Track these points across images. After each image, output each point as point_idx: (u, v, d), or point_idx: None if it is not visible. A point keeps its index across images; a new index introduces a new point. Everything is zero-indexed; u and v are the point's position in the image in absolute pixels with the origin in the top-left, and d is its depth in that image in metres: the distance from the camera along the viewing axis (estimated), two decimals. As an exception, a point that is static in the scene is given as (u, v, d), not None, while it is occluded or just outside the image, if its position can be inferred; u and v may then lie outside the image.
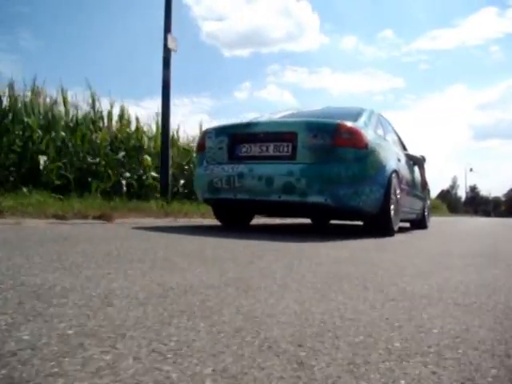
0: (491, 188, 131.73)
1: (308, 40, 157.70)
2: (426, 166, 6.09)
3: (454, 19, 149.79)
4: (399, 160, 4.58)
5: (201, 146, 4.16)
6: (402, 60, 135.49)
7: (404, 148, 5.59)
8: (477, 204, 68.72)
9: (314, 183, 3.44)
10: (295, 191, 3.47)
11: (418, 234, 5.08)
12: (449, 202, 53.84)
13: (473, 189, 78.51)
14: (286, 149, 3.62)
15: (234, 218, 4.55)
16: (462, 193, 69.98)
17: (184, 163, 8.43)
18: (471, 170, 47.65)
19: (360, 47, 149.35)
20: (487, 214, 53.17)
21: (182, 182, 8.14)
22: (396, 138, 5.34)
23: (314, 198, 3.46)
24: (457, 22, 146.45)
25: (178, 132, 8.70)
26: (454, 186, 75.80)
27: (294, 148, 3.57)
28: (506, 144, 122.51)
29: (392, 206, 4.00)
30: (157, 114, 7.92)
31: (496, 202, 75.41)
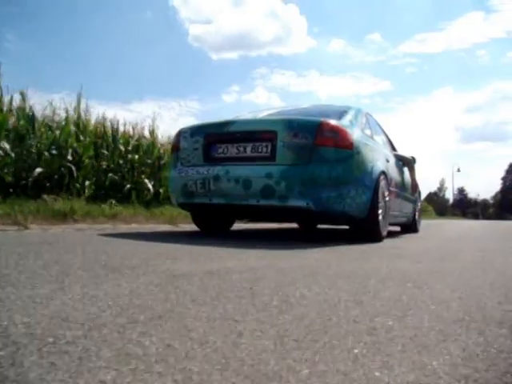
0: (479, 190, 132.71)
1: (296, 43, 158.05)
2: (416, 166, 5.85)
3: (441, 23, 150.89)
4: (388, 161, 4.33)
5: (175, 146, 3.87)
6: (390, 63, 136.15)
7: (393, 149, 5.34)
8: (465, 206, 68.80)
9: (295, 186, 3.16)
10: (275, 195, 3.19)
11: (407, 238, 4.83)
12: (436, 204, 54.02)
13: (461, 191, 78.79)
14: (264, 149, 3.34)
15: (213, 223, 4.25)
16: (449, 195, 70.18)
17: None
18: (458, 170, 47.66)
19: (348, 50, 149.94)
20: (476, 216, 53.14)
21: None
22: (385, 138, 5.10)
23: (294, 202, 3.18)
24: (443, 25, 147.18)
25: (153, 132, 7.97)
26: (441, 189, 75.84)
27: (274, 148, 3.29)
28: (493, 146, 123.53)
29: (380, 210, 3.74)
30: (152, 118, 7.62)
31: (484, 204, 75.69)
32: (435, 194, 74.39)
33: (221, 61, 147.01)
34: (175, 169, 3.76)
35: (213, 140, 3.57)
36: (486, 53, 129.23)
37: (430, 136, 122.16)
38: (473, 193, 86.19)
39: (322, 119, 3.35)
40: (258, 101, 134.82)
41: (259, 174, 3.23)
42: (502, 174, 77.64)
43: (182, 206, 3.87)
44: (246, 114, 4.37)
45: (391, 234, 5.08)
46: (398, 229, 6.16)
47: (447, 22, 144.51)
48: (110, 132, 6.89)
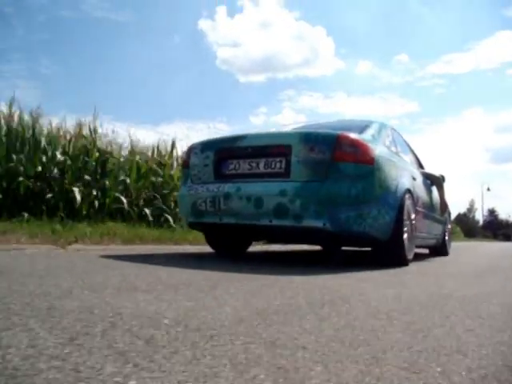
0: (510, 211, 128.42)
1: (323, 65, 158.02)
2: (446, 186, 5.50)
3: (469, 43, 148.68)
4: (414, 179, 4.02)
5: (186, 162, 3.67)
6: (417, 84, 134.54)
7: (421, 166, 5.03)
8: (496, 227, 66.31)
9: (311, 205, 2.89)
10: (288, 214, 2.92)
11: (436, 262, 4.46)
12: (466, 225, 52.22)
13: (491, 212, 76.18)
14: (278, 165, 3.09)
15: (228, 244, 4.01)
16: (479, 216, 67.80)
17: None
18: (488, 189, 46.11)
19: (375, 71, 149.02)
20: (507, 237, 50.97)
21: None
22: (411, 155, 4.80)
23: (310, 223, 2.90)
24: (471, 45, 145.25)
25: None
26: (471, 210, 73.32)
27: (288, 164, 3.04)
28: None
29: (405, 231, 3.43)
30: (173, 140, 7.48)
31: (516, 225, 72.97)
32: (464, 215, 72.15)
33: (248, 83, 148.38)
34: (185, 186, 3.56)
35: (224, 156, 3.36)
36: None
37: (460, 157, 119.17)
38: (504, 214, 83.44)
39: (341, 132, 3.09)
40: (285, 122, 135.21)
41: (272, 191, 2.98)
42: (535, 194, 75.10)
43: (193, 225, 3.64)
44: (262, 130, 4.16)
45: (419, 257, 4.73)
46: (426, 251, 5.78)
47: (475, 41, 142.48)
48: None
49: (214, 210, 3.20)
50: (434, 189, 5.10)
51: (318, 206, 2.88)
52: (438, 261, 4.64)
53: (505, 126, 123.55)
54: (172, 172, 7.08)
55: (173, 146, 7.57)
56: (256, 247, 5.21)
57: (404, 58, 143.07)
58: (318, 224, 2.89)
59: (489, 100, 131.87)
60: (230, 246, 4.03)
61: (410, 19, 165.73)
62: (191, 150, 3.62)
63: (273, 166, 3.11)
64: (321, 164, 2.96)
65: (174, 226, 5.88)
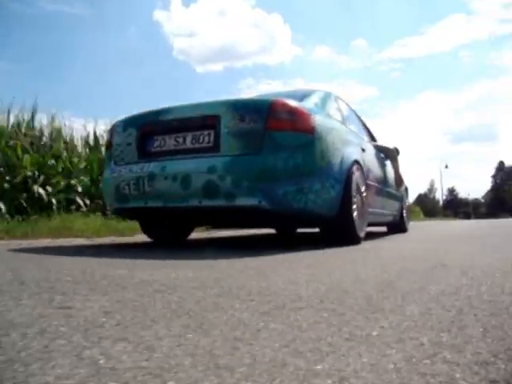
0: (469, 190, 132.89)
1: (281, 52, 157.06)
2: (401, 160, 5.27)
3: (423, 27, 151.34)
4: (363, 150, 3.73)
5: (109, 143, 3.26)
6: (375, 69, 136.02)
7: (373, 139, 4.76)
8: (456, 206, 68.09)
9: (243, 181, 2.54)
10: (219, 193, 2.57)
11: (392, 239, 4.22)
12: (426, 205, 53.30)
13: (451, 191, 78.49)
14: (206, 138, 2.72)
15: (166, 231, 3.62)
16: (439, 196, 69.53)
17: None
18: (446, 166, 46.80)
19: (333, 57, 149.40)
20: (468, 216, 51.83)
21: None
22: (361, 126, 4.52)
23: (244, 201, 2.55)
24: (425, 29, 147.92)
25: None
26: (431, 190, 75.30)
27: (217, 136, 2.67)
28: (480, 146, 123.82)
29: (355, 206, 3.14)
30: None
31: (476, 203, 75.30)
32: (425, 195, 73.89)
33: (206, 73, 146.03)
34: (108, 169, 3.15)
35: (148, 132, 2.96)
36: (469, 54, 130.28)
37: (419, 139, 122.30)
38: (464, 192, 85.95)
39: (275, 98, 2.75)
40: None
41: (200, 168, 2.61)
42: (492, 172, 77.90)
43: (118, 211, 3.25)
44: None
45: (374, 235, 4.48)
46: (383, 229, 5.58)
47: (429, 25, 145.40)
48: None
49: (139, 192, 2.82)
50: (389, 163, 4.85)
51: (252, 182, 2.54)
52: (393, 238, 4.40)
53: (461, 107, 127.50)
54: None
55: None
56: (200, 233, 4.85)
57: (362, 42, 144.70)
58: (253, 202, 2.55)
59: (444, 82, 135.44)
60: (169, 234, 3.65)
61: (366, 3, 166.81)
62: (113, 128, 3.20)
63: (200, 141, 2.74)
64: (253, 135, 2.61)
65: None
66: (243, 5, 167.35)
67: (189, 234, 3.96)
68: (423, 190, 76.09)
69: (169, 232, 3.65)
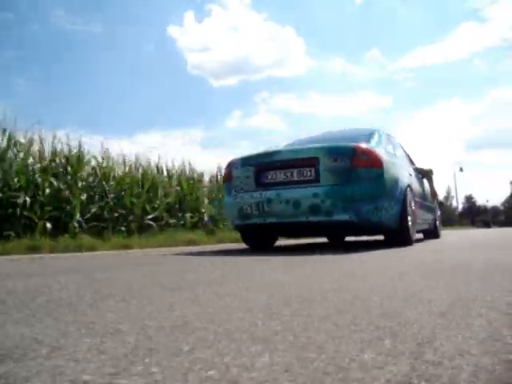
0: (487, 197, 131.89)
1: (295, 65, 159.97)
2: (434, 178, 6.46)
3: (436, 36, 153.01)
4: (410, 175, 4.93)
5: (227, 175, 4.49)
6: (390, 78, 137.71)
7: (412, 163, 5.96)
8: (474, 214, 66.70)
9: (338, 202, 3.75)
10: (321, 211, 3.78)
11: (432, 242, 5.38)
12: (444, 213, 52.79)
13: (468, 198, 77.60)
14: (309, 173, 3.94)
15: (261, 241, 4.84)
16: (457, 203, 69.12)
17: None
18: (461, 169, 45.56)
19: (348, 69, 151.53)
20: (486, 224, 45.81)
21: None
22: (404, 153, 5.71)
23: (339, 216, 3.76)
24: (439, 38, 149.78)
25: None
26: (448, 197, 74.53)
27: (317, 172, 3.89)
28: (497, 153, 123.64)
29: (409, 218, 4.32)
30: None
31: (494, 211, 74.25)
32: (441, 203, 73.06)
33: (221, 87, 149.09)
34: (229, 195, 4.38)
35: (262, 168, 4.18)
36: (482, 61, 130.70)
37: (436, 147, 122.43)
38: (481, 200, 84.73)
39: (356, 144, 3.96)
40: (260, 125, 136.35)
41: (307, 194, 3.83)
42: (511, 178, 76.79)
43: (238, 227, 4.47)
44: (287, 145, 5.00)
45: (417, 240, 5.63)
46: (420, 235, 6.71)
47: (442, 34, 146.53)
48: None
49: (259, 212, 4.03)
50: (425, 181, 6.06)
51: (344, 203, 3.75)
52: (431, 242, 5.56)
53: (477, 114, 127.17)
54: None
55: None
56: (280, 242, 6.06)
57: (376, 53, 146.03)
58: (346, 217, 3.76)
59: (460, 90, 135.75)
60: (262, 243, 4.86)
61: (377, 13, 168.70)
62: (231, 165, 4.44)
63: (305, 175, 3.96)
64: (343, 170, 3.82)
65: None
66: (256, 18, 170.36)
67: (274, 242, 5.18)
68: (440, 197, 75.72)
69: (261, 241, 4.87)
